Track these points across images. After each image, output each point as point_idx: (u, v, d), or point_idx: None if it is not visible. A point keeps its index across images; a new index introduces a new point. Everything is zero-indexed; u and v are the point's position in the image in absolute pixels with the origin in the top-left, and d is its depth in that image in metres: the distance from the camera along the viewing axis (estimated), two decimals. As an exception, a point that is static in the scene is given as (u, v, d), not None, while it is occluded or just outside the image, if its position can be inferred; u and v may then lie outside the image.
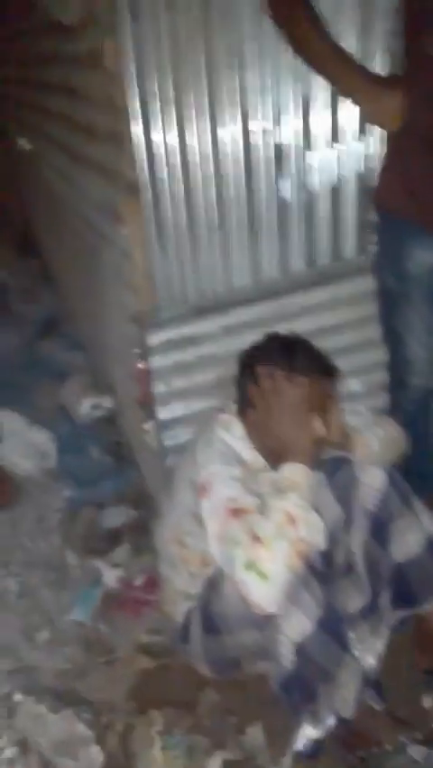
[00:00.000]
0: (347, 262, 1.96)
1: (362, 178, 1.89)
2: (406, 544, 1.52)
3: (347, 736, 1.42)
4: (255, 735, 1.54)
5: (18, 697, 1.69)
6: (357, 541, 1.54)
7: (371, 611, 1.55)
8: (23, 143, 3.48)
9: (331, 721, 1.37)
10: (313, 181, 1.87)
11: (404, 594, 1.56)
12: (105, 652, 1.80)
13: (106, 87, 1.71)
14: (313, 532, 1.27)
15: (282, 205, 1.85)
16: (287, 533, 1.23)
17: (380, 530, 1.52)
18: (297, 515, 1.25)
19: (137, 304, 1.80)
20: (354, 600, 1.55)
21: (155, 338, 1.82)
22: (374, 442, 1.54)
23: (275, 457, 1.38)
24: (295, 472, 1.32)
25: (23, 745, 1.58)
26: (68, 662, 1.78)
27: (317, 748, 1.41)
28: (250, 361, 1.47)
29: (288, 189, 1.84)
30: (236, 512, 1.29)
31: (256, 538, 1.22)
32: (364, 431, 1.56)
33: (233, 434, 1.48)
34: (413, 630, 1.63)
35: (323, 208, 1.90)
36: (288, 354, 1.43)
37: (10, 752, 1.58)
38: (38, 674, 1.76)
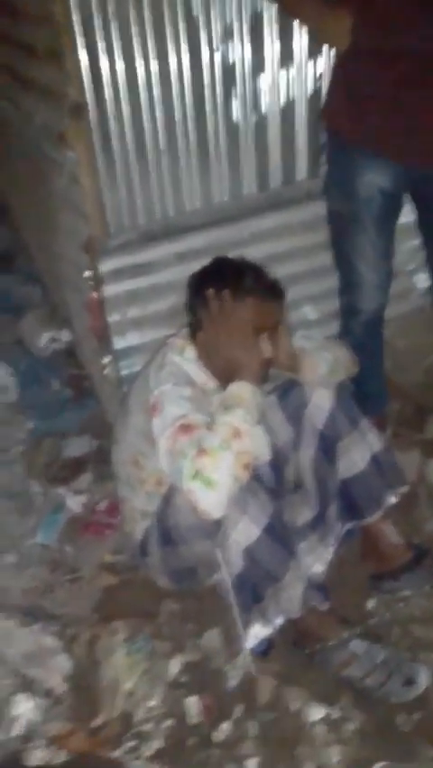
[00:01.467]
0: (299, 186, 1.96)
1: (312, 101, 1.87)
2: (352, 460, 1.62)
3: (295, 635, 1.53)
4: (212, 638, 1.64)
5: (-12, 615, 1.77)
6: (306, 458, 1.62)
7: (319, 523, 1.64)
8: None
9: (279, 620, 1.47)
10: (263, 103, 1.84)
11: (350, 507, 1.66)
12: (70, 571, 1.87)
13: (47, 3, 1.63)
14: (257, 445, 1.33)
15: (233, 128, 1.83)
16: (232, 445, 1.28)
17: (328, 448, 1.60)
18: (242, 428, 1.30)
19: (87, 230, 1.79)
20: (303, 514, 1.64)
21: (107, 266, 1.81)
22: (323, 364, 1.60)
23: (224, 377, 1.42)
24: (241, 389, 1.37)
25: (-6, 658, 1.67)
26: (34, 582, 1.85)
27: (267, 646, 1.52)
28: (199, 284, 1.50)
29: (238, 111, 1.81)
30: (185, 428, 1.34)
31: (202, 450, 1.28)
32: (313, 353, 1.60)
33: (185, 357, 1.52)
34: (360, 539, 1.74)
35: (273, 131, 1.88)
36: (235, 276, 1.46)
37: (-19, 665, 1.66)
38: (6, 593, 1.82)
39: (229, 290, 1.44)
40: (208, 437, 1.30)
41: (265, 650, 1.52)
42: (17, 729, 1.52)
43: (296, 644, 1.54)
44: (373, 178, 1.68)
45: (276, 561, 1.41)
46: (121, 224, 1.81)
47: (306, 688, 1.52)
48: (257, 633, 1.47)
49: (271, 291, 1.49)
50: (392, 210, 1.78)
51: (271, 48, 1.77)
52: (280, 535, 1.41)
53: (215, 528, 1.38)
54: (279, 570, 1.41)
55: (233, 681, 1.56)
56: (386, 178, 1.68)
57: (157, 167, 1.79)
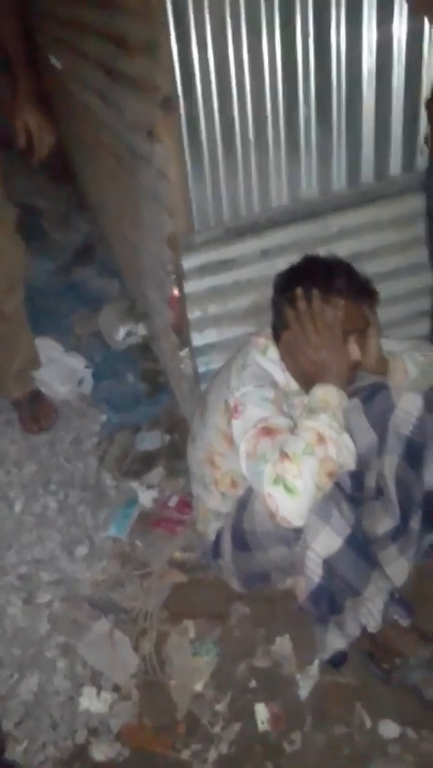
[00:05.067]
0: (392, 181, 1.88)
1: (409, 91, 1.79)
2: (439, 470, 1.53)
3: (373, 649, 1.47)
4: (283, 645, 1.61)
5: (59, 605, 1.79)
6: (390, 465, 1.55)
7: (400, 534, 1.57)
8: (55, 61, 3.36)
9: (356, 633, 1.41)
10: (358, 94, 1.77)
11: (434, 519, 1.58)
12: (141, 566, 1.87)
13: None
14: (342, 452, 1.28)
15: (325, 121, 1.77)
16: (316, 451, 1.24)
17: (414, 455, 1.53)
18: (327, 434, 1.25)
19: (172, 226, 1.77)
20: (383, 523, 1.57)
21: (190, 262, 1.79)
22: (412, 368, 1.52)
23: (309, 380, 1.38)
24: (327, 393, 1.32)
25: (65, 649, 1.68)
26: (104, 575, 1.86)
27: (341, 658, 1.46)
28: (286, 283, 1.45)
29: (331, 103, 1.75)
30: (267, 431, 1.30)
31: (285, 455, 1.24)
32: (403, 356, 1.53)
33: (268, 358, 1.48)
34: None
35: (367, 123, 1.81)
36: (325, 275, 1.41)
37: (52, 654, 1.68)
38: (77, 585, 1.84)
39: (318, 290, 1.39)
40: (292, 442, 1.26)
41: (339, 662, 1.47)
42: (84, 722, 1.53)
43: (372, 659, 1.48)
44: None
45: (357, 573, 1.35)
46: (206, 219, 1.79)
47: (380, 704, 1.46)
48: (333, 644, 1.43)
49: (363, 292, 1.43)
50: None
51: (369, 35, 1.70)
52: (362, 547, 1.36)
53: (293, 536, 1.33)
54: (360, 582, 1.36)
55: (304, 690, 1.52)
56: None
57: (245, 161, 1.75)
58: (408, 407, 1.50)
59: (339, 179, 1.85)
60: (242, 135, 1.72)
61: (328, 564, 1.33)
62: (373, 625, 1.39)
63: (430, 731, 1.40)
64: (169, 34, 1.57)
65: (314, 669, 1.54)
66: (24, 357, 2.36)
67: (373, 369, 1.49)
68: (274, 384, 1.44)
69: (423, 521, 1.58)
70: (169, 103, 1.62)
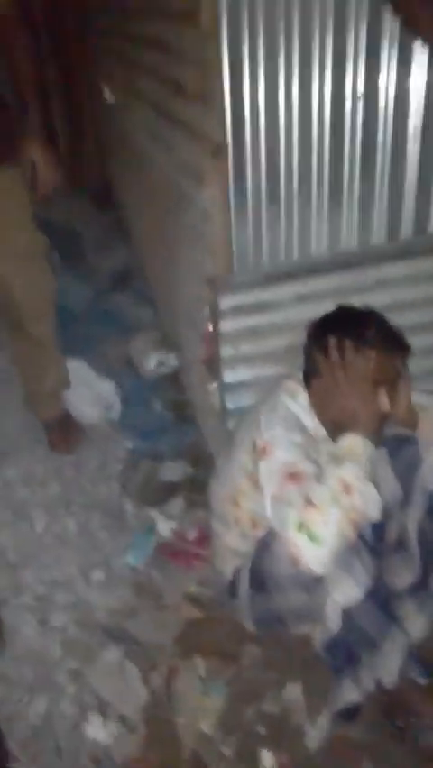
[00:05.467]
0: (431, 237, 1.91)
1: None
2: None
3: (388, 705, 1.46)
4: (294, 692, 1.59)
5: (72, 629, 1.80)
6: (413, 519, 1.55)
7: (419, 589, 1.57)
8: (108, 95, 3.48)
9: (371, 687, 1.40)
10: (402, 151, 1.81)
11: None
12: (156, 597, 1.88)
13: (200, 44, 1.70)
14: (368, 503, 1.28)
15: (367, 174, 1.82)
16: (341, 500, 1.25)
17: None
18: (352, 484, 1.27)
19: (213, 267, 1.82)
20: (402, 577, 1.57)
21: (227, 302, 1.84)
22: None
23: (337, 428, 1.39)
24: (355, 443, 1.33)
25: (75, 674, 1.69)
26: (120, 603, 1.87)
27: (354, 712, 1.45)
28: (319, 330, 1.48)
29: (377, 159, 1.80)
30: (293, 476, 1.32)
31: (310, 502, 1.25)
32: None
33: (297, 402, 1.50)
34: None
35: (410, 180, 1.85)
36: (358, 325, 1.43)
37: (63, 679, 1.69)
38: (91, 610, 1.86)
39: (351, 340, 1.41)
40: (318, 490, 1.27)
41: (352, 715, 1.45)
42: (88, 751, 1.53)
43: (386, 715, 1.47)
44: None
45: (376, 626, 1.35)
46: (245, 263, 1.83)
47: (390, 764, 1.44)
48: (348, 696, 1.41)
49: (395, 344, 1.45)
50: None
51: (416, 95, 1.75)
52: (382, 600, 1.36)
53: (314, 583, 1.34)
54: (378, 635, 1.36)
55: (312, 741, 1.50)
56: None
57: (287, 210, 1.80)
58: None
59: (379, 232, 1.89)
60: (286, 185, 1.78)
61: (347, 615, 1.33)
62: (389, 680, 1.38)
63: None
64: (222, 86, 1.64)
65: (324, 720, 1.52)
66: (55, 378, 2.41)
67: (403, 421, 1.50)
68: (303, 429, 1.45)
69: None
70: (219, 151, 1.68)
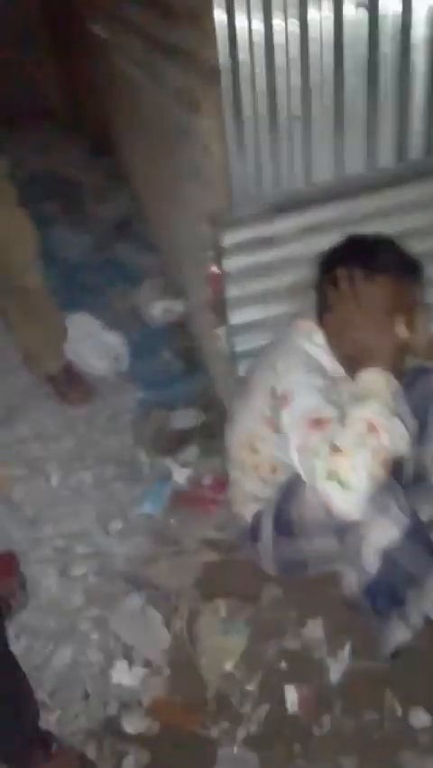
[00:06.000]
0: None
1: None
2: None
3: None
4: (314, 628, 1.60)
5: (93, 578, 1.81)
6: (431, 452, 1.51)
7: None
8: (99, 30, 3.31)
9: (420, 624, 1.37)
10: (408, 63, 1.69)
11: None
12: (173, 543, 1.88)
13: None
14: (396, 439, 1.23)
15: (373, 92, 1.70)
16: (368, 441, 1.20)
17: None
18: (378, 422, 1.21)
19: (212, 201, 1.73)
20: (425, 510, 1.54)
21: (230, 239, 1.76)
22: None
23: (355, 364, 1.33)
24: (375, 379, 1.28)
25: (98, 622, 1.71)
26: (138, 550, 1.88)
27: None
28: (329, 263, 1.41)
29: (380, 73, 1.68)
30: (317, 422, 1.26)
31: (336, 448, 1.20)
32: None
33: (313, 342, 1.43)
34: None
35: (418, 95, 1.73)
36: (369, 253, 1.36)
37: (86, 627, 1.71)
38: (111, 559, 1.86)
39: (361, 269, 1.34)
40: (342, 433, 1.22)
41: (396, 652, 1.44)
42: (115, 695, 1.56)
43: None
44: None
45: (419, 563, 1.30)
46: (247, 195, 1.74)
47: (412, 692, 1.45)
48: (398, 637, 1.37)
49: (408, 269, 1.37)
50: None
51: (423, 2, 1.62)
52: (422, 536, 1.32)
53: (346, 527, 1.30)
54: (421, 572, 1.31)
55: (334, 674, 1.52)
56: None
57: (289, 135, 1.70)
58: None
59: (386, 155, 1.78)
60: (287, 107, 1.67)
61: (387, 556, 1.29)
62: None
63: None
64: (211, 2, 1.52)
65: (345, 653, 1.53)
66: (53, 330, 2.36)
67: (423, 351, 1.43)
68: (322, 371, 1.39)
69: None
70: (213, 75, 1.58)
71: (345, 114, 1.71)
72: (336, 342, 1.40)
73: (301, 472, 1.30)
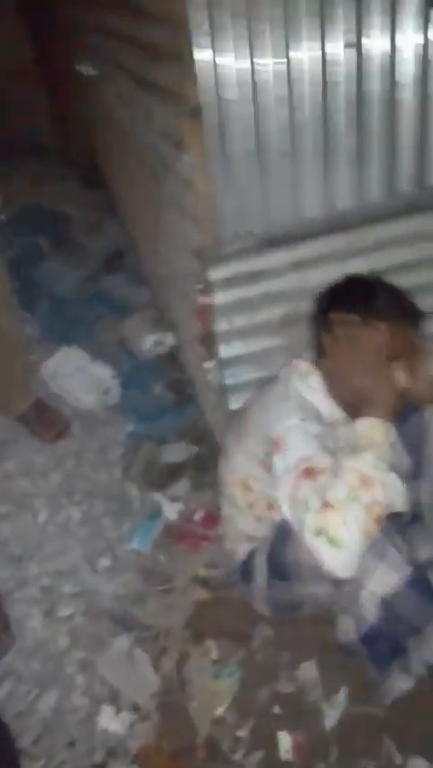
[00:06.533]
0: (430, 192, 1.82)
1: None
2: None
3: None
4: (309, 670, 1.55)
5: (80, 619, 1.76)
6: (426, 490, 1.49)
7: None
8: (87, 69, 3.36)
9: (422, 672, 1.33)
10: (395, 100, 1.71)
11: None
12: (163, 581, 1.83)
13: (169, 1, 1.60)
14: (391, 494, 1.19)
15: (361, 128, 1.72)
16: (360, 496, 1.16)
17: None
18: (372, 476, 1.17)
19: (199, 236, 1.73)
20: (422, 550, 1.50)
21: (218, 273, 1.75)
22: None
23: (353, 410, 1.29)
24: (372, 428, 1.24)
25: (84, 665, 1.65)
26: (126, 589, 1.83)
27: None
28: (324, 306, 1.38)
29: (367, 109, 1.70)
30: (309, 472, 1.22)
31: (327, 503, 1.16)
32: None
33: (309, 385, 1.40)
34: None
35: (406, 131, 1.75)
36: (365, 297, 1.33)
37: (72, 670, 1.65)
38: (98, 598, 1.82)
39: (359, 314, 1.31)
40: (334, 486, 1.17)
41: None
42: (102, 742, 1.50)
43: None
44: None
45: (419, 611, 1.26)
46: (235, 231, 1.74)
47: (410, 739, 1.40)
48: (399, 687, 1.34)
49: (407, 313, 1.34)
50: None
51: (411, 37, 1.64)
52: (421, 582, 1.28)
53: None
54: (422, 619, 1.27)
55: (329, 720, 1.47)
56: None
57: (277, 171, 1.70)
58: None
59: (376, 189, 1.79)
60: (274, 144, 1.68)
61: (387, 604, 1.25)
62: None
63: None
64: (197, 42, 1.54)
65: (340, 697, 1.48)
66: (19, 368, 2.31)
67: (423, 397, 1.39)
68: (318, 416, 1.36)
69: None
70: (197, 112, 1.59)
71: (333, 151, 1.72)
72: (333, 388, 1.37)
73: (292, 523, 1.25)
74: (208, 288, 1.77)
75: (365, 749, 1.40)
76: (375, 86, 1.68)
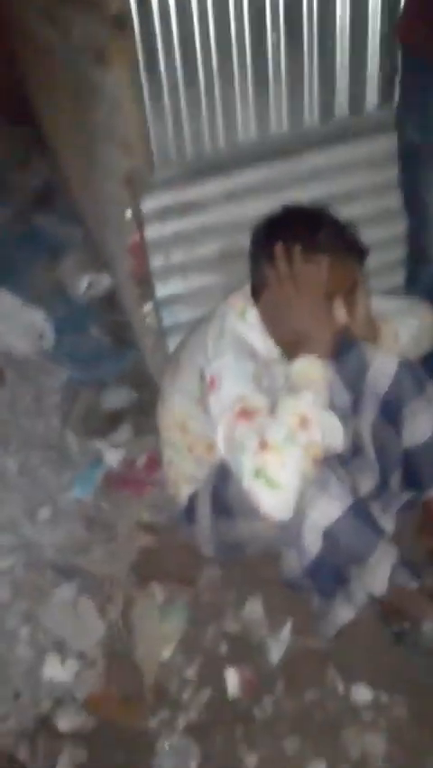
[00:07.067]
0: (368, 117, 1.74)
1: (386, 16, 1.63)
2: (417, 428, 1.45)
3: (382, 613, 1.39)
4: (254, 609, 1.55)
5: (21, 571, 1.71)
6: (366, 424, 1.48)
7: (381, 492, 1.51)
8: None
9: (364, 601, 1.34)
10: (331, 19, 1.61)
11: (412, 477, 1.51)
12: (107, 528, 1.80)
13: None
14: (329, 434, 1.17)
15: (295, 48, 1.61)
16: (299, 437, 1.13)
17: (390, 413, 1.45)
18: (310, 417, 1.15)
19: (128, 162, 1.62)
20: (363, 482, 1.50)
21: (150, 204, 1.65)
22: (405, 333, 1.41)
23: (291, 347, 1.26)
24: (311, 367, 1.21)
25: (27, 616, 1.61)
26: (69, 539, 1.78)
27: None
28: (265, 237, 1.31)
29: (302, 28, 1.59)
30: (245, 413, 1.19)
31: (265, 444, 1.13)
32: (395, 320, 1.41)
33: (246, 322, 1.35)
34: (419, 514, 1.59)
35: (341, 53, 1.65)
36: (309, 229, 1.26)
37: (14, 622, 1.61)
38: (40, 549, 1.76)
39: (302, 247, 1.24)
40: (272, 427, 1.15)
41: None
42: (48, 692, 1.47)
43: (384, 622, 1.40)
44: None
45: (361, 540, 1.26)
46: (166, 156, 1.63)
47: (353, 668, 1.42)
48: (343, 616, 1.34)
49: (351, 247, 1.28)
50: None
51: None
52: (363, 512, 1.27)
53: None
54: (364, 549, 1.27)
55: (275, 655, 1.47)
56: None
57: (208, 91, 1.59)
58: (383, 367, 1.41)
59: (311, 114, 1.70)
60: (204, 62, 1.56)
61: (329, 535, 1.24)
62: (380, 590, 1.31)
63: (403, 695, 1.36)
64: None
65: (285, 633, 1.49)
66: None
67: (362, 334, 1.36)
68: (254, 354, 1.31)
69: (403, 479, 1.51)
70: (121, 22, 1.44)
71: (267, 72, 1.62)
72: (272, 324, 1.32)
73: (230, 465, 1.23)
74: (141, 221, 1.67)
75: (310, 681, 1.41)
76: (310, 3, 1.57)
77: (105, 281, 2.56)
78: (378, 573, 1.30)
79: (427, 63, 1.46)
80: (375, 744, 1.32)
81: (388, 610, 1.38)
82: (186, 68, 1.55)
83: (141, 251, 1.74)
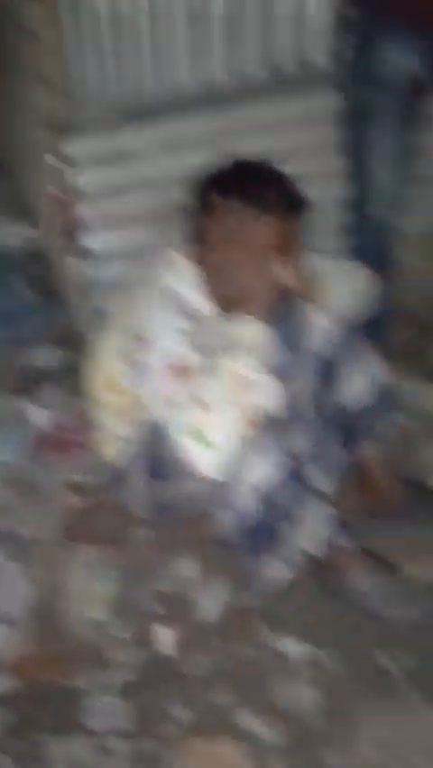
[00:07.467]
0: (313, 71, 1.70)
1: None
2: (353, 387, 1.48)
3: (317, 571, 1.42)
4: (187, 568, 1.56)
5: None
6: (305, 384, 1.47)
7: (319, 452, 1.52)
8: None
9: (298, 559, 1.35)
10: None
11: (350, 437, 1.54)
12: (34, 491, 1.75)
13: None
14: (266, 395, 1.18)
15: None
16: (237, 398, 1.13)
17: (327, 373, 1.46)
18: (248, 377, 1.15)
19: (51, 102, 1.51)
20: (301, 443, 1.51)
21: (77, 148, 1.57)
22: (342, 294, 1.41)
23: (228, 305, 1.24)
24: (250, 327, 1.20)
25: None
26: (-6, 502, 1.72)
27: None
28: (206, 190, 1.26)
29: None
30: (180, 371, 1.17)
31: (201, 403, 1.12)
32: (332, 280, 1.41)
33: (179, 276, 1.31)
34: (356, 475, 1.62)
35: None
36: (253, 185, 1.23)
37: None
38: (-38, 515, 1.70)
39: (245, 204, 1.21)
40: (209, 387, 1.14)
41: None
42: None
43: (320, 581, 1.43)
44: (401, 61, 1.44)
45: (294, 499, 1.27)
46: (94, 98, 1.54)
47: (286, 625, 1.45)
48: (276, 576, 1.35)
49: (298, 208, 1.26)
50: (423, 100, 1.54)
51: None
52: (296, 471, 1.28)
53: None
54: (298, 508, 1.28)
55: (209, 613, 1.48)
56: (418, 57, 1.43)
57: (139, 31, 1.50)
58: (320, 326, 1.41)
59: (253, 61, 1.64)
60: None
61: (263, 494, 1.25)
62: (315, 548, 1.33)
63: (334, 650, 1.40)
64: None
65: (219, 591, 1.50)
66: None
67: (303, 293, 1.35)
68: (187, 310, 1.28)
69: (339, 438, 1.53)
70: None
71: (202, 10, 1.53)
72: (210, 281, 1.29)
73: (162, 423, 1.21)
74: (66, 166, 1.57)
75: (243, 637, 1.43)
76: None
77: (29, 233, 2.44)
78: (313, 532, 1.32)
79: (372, 17, 1.43)
80: (303, 693, 1.36)
81: (323, 568, 1.40)
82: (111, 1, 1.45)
83: (66, 199, 1.65)
